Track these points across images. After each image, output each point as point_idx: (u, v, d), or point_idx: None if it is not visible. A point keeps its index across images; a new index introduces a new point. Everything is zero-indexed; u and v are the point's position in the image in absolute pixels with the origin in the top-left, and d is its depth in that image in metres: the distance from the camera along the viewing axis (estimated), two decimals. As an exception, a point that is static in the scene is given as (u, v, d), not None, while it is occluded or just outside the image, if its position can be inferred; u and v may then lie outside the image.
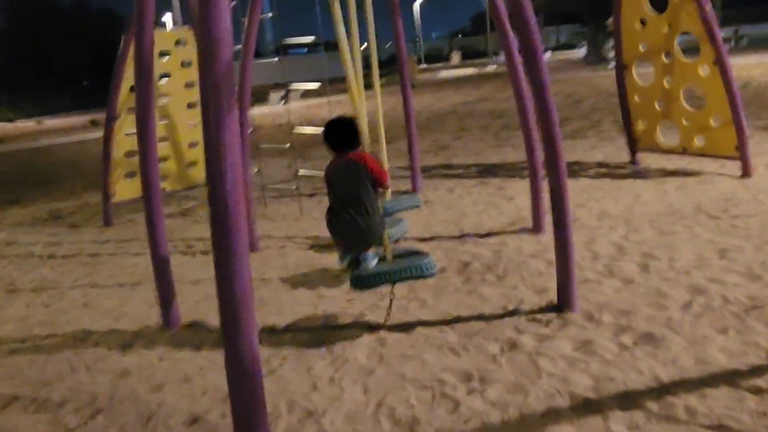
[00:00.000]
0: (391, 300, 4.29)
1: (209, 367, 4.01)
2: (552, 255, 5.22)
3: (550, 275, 4.89)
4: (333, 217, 4.26)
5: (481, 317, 4.32)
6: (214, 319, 4.75)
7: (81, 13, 64.46)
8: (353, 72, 4.28)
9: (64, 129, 29.85)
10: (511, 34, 5.96)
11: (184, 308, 4.97)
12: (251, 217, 6.40)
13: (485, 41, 72.45)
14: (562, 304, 4.28)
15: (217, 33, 2.39)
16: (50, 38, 64.33)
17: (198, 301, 5.21)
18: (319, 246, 6.31)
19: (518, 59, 5.96)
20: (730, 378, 3.26)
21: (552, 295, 4.49)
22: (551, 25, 72.00)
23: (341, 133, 4.26)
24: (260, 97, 25.32)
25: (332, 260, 5.63)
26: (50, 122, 37.33)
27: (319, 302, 4.92)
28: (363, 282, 4.10)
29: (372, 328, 4.35)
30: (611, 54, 36.15)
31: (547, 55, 51.56)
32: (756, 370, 3.31)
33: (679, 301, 4.22)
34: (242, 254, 2.66)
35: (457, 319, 4.33)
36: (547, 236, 5.89)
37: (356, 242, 4.24)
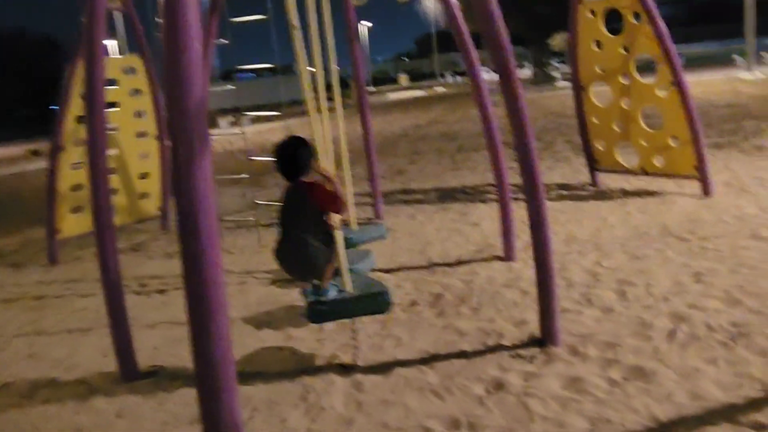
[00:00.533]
0: (354, 335, 4.19)
1: (173, 424, 3.69)
2: (526, 284, 5.15)
3: (526, 306, 4.75)
4: (278, 244, 4.09)
5: (461, 354, 4.12)
6: (175, 367, 4.43)
7: (18, 40, 62.68)
8: (312, 93, 4.10)
9: (2, 160, 28.72)
10: (474, 53, 5.85)
11: (141, 355, 4.62)
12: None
13: (431, 63, 73.13)
14: (544, 338, 4.11)
15: (188, 70, 2.16)
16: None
17: (156, 347, 4.87)
18: (281, 281, 6.01)
19: (482, 78, 5.86)
20: (728, 413, 3.13)
21: (532, 328, 4.33)
22: (495, 46, 72.96)
23: (288, 159, 4.03)
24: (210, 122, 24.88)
25: (296, 296, 5.37)
26: (-13, 153, 35.95)
27: (288, 343, 4.64)
28: (319, 314, 3.95)
29: (346, 369, 4.11)
30: (556, 73, 37.22)
31: (487, 76, 52.32)
32: (754, 404, 3.19)
33: (663, 330, 4.10)
34: (220, 313, 2.39)
35: (436, 358, 4.12)
36: (519, 264, 5.76)
37: (294, 270, 4.12)
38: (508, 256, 5.90)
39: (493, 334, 4.35)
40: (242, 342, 4.74)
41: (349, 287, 4.02)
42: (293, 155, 4.01)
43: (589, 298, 4.78)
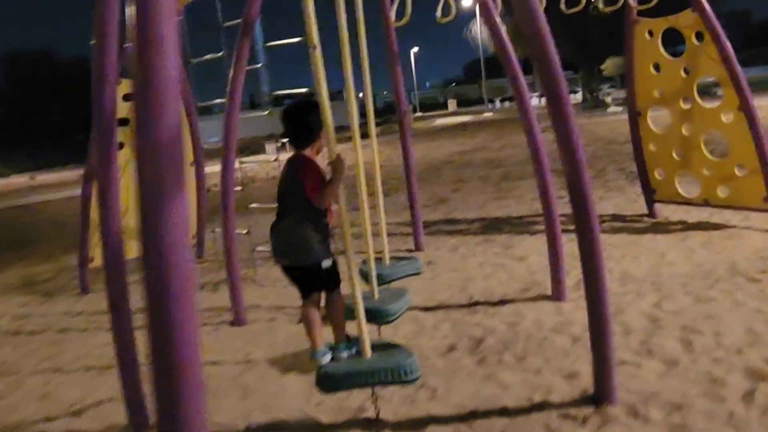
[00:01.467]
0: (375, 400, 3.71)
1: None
2: (578, 329, 4.64)
3: (578, 356, 4.24)
4: (273, 223, 3.66)
5: (503, 412, 3.64)
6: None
7: (77, 65, 64.52)
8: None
9: (56, 184, 29.36)
10: (522, 78, 5.45)
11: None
12: (237, 287, 5.75)
13: (479, 88, 72.88)
14: (599, 395, 3.61)
15: (161, 93, 1.81)
16: (46, 92, 64.38)
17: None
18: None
19: (530, 103, 5.47)
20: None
21: (584, 382, 3.82)
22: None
23: (290, 124, 3.61)
24: (256, 149, 24.87)
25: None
26: (43, 177, 36.89)
27: (313, 393, 4.22)
28: (332, 382, 3.44)
29: (373, 424, 3.68)
30: (609, 99, 36.45)
31: (537, 102, 51.80)
32: None
33: (738, 390, 3.55)
34: (195, 381, 1.98)
35: (475, 414, 3.66)
36: (569, 305, 5.26)
37: (280, 250, 3.62)
38: (557, 295, 5.40)
39: (540, 388, 3.86)
40: (263, 388, 4.35)
41: (368, 352, 3.49)
42: (305, 119, 3.54)
43: (649, 347, 4.24)
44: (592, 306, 3.60)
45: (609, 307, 3.60)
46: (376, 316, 4.27)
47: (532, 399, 3.74)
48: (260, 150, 28.91)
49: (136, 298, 6.63)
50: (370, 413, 3.82)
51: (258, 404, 4.13)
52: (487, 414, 3.65)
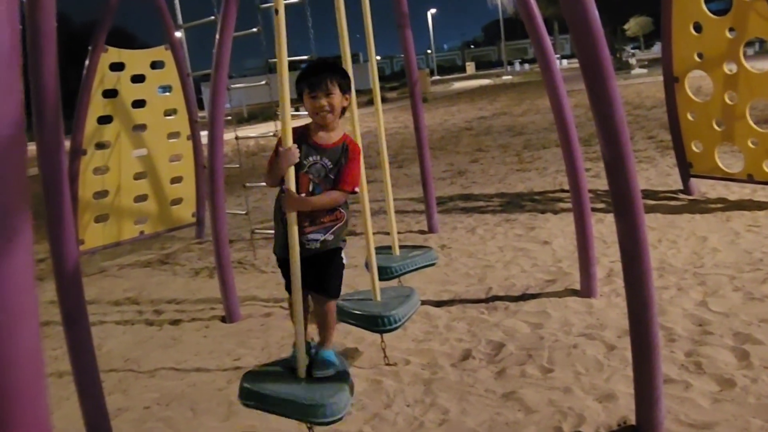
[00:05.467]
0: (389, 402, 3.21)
1: None
2: (611, 334, 4.04)
3: (613, 370, 3.64)
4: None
5: (526, 445, 3.06)
6: (162, 441, 3.53)
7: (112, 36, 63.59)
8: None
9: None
10: (547, 39, 4.76)
11: (127, 419, 3.77)
12: (228, 280, 5.18)
13: (498, 51, 71.54)
14: (642, 429, 3.01)
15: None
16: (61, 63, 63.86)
17: (149, 406, 3.97)
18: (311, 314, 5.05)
19: (557, 67, 4.80)
20: None
21: (623, 407, 3.22)
22: (564, 33, 70.96)
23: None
24: (269, 116, 24.23)
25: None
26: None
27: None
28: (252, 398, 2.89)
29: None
30: (633, 60, 35.19)
31: (563, 64, 50.44)
32: None
33: (813, 423, 2.93)
34: None
35: (494, 448, 3.08)
36: (601, 302, 4.63)
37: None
38: (586, 290, 4.77)
39: (570, 414, 3.25)
40: (250, 405, 3.79)
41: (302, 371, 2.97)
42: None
43: (698, 361, 3.62)
44: (634, 312, 2.98)
45: (655, 316, 2.97)
46: (378, 324, 3.72)
47: (560, 429, 3.14)
48: (274, 117, 28.38)
49: (126, 286, 6.07)
50: (369, 442, 3.26)
51: (242, 426, 3.57)
52: (508, 448, 3.07)
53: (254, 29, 6.22)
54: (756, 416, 3.03)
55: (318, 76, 2.99)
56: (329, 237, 3.09)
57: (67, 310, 3.25)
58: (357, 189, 3.15)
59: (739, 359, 3.59)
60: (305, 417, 2.76)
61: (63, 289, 3.22)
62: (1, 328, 1.39)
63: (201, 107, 9.60)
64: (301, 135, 3.00)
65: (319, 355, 3.10)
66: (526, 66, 65.72)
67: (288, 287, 3.03)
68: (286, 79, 2.80)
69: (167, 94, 7.99)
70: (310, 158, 3.01)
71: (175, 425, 3.67)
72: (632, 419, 3.09)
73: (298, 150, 2.90)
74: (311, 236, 3.02)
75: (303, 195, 2.97)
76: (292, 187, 2.89)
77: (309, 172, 3.01)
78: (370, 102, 3.24)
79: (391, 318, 3.60)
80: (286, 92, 2.81)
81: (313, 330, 3.27)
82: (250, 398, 2.85)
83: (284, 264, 3.03)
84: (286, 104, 2.84)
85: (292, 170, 2.88)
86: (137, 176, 7.76)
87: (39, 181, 3.10)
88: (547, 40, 4.78)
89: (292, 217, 2.86)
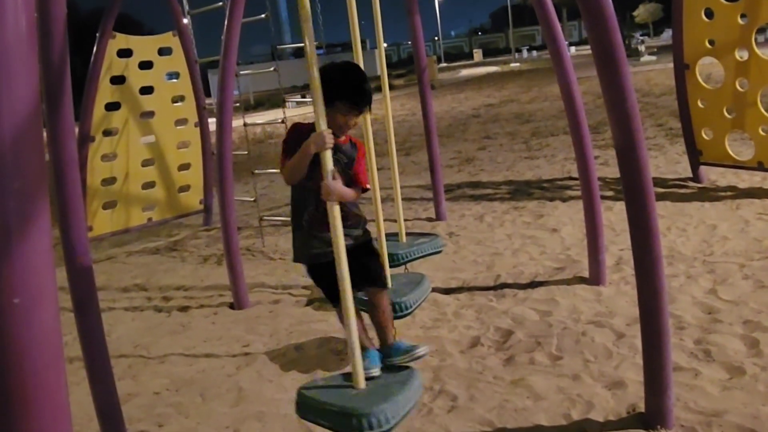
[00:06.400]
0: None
1: None
2: (620, 322, 4.04)
3: (622, 357, 3.64)
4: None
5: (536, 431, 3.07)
6: (172, 428, 3.55)
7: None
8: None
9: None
10: (558, 24, 4.73)
11: (136, 405, 3.79)
12: (237, 267, 5.19)
13: (506, 38, 71.14)
14: (651, 417, 3.00)
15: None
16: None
17: (159, 392, 4.00)
18: (319, 300, 5.06)
19: (567, 54, 4.77)
20: None
21: (632, 395, 3.22)
22: (573, 20, 70.55)
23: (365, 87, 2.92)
24: (276, 103, 24.15)
25: (333, 324, 4.41)
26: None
27: (313, 398, 3.68)
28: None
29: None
30: (642, 47, 34.93)
31: (572, 51, 50.15)
32: None
33: (823, 411, 2.93)
34: None
35: (502, 434, 3.09)
36: (610, 290, 4.63)
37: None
38: (595, 278, 4.76)
39: (578, 401, 3.26)
40: (259, 391, 3.81)
41: (362, 383, 2.64)
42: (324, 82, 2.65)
43: (707, 349, 3.61)
44: (644, 301, 2.97)
45: (665, 304, 2.96)
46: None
47: (569, 416, 3.15)
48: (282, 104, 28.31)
49: (135, 273, 6.09)
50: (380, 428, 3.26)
51: (252, 411, 3.59)
52: (517, 434, 3.07)
53: (262, 15, 6.21)
54: (766, 404, 3.03)
55: (367, 94, 2.88)
56: (359, 232, 3.04)
57: (77, 296, 3.25)
58: (369, 186, 3.08)
59: (748, 347, 3.58)
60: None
61: (73, 275, 3.21)
62: (20, 310, 1.39)
63: (208, 94, 9.60)
64: (312, 131, 2.76)
65: (395, 347, 2.96)
66: (534, 53, 65.39)
67: (331, 295, 2.87)
68: (315, 63, 2.64)
69: (175, 80, 7.98)
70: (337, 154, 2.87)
71: (184, 411, 3.69)
72: (641, 407, 3.09)
73: (332, 135, 2.65)
74: (346, 232, 2.70)
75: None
76: (329, 174, 2.62)
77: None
78: (378, 89, 3.19)
79: (402, 304, 3.58)
80: (316, 75, 2.57)
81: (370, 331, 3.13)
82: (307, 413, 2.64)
83: (318, 269, 2.95)
84: (316, 88, 2.58)
85: (329, 156, 2.63)
86: (145, 163, 7.78)
87: (49, 168, 3.09)
88: (558, 27, 4.75)
89: (334, 209, 2.58)
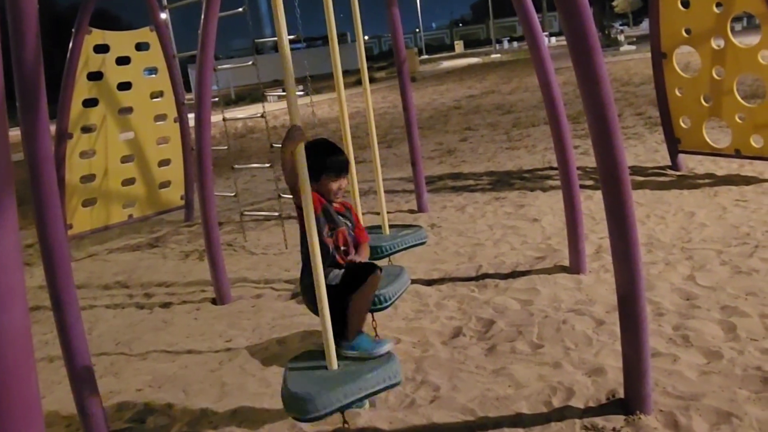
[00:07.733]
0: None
1: None
2: (599, 309, 4.08)
3: (602, 344, 3.68)
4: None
5: (516, 421, 3.09)
6: (155, 424, 3.54)
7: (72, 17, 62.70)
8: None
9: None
10: (535, 15, 4.76)
11: (119, 401, 3.78)
12: (218, 262, 5.18)
13: (487, 29, 71.23)
14: (630, 402, 3.04)
15: None
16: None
17: (141, 388, 3.98)
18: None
19: (544, 44, 4.79)
20: None
21: (611, 381, 3.26)
22: (553, 11, 70.74)
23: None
24: (257, 97, 24.07)
25: (315, 317, 4.40)
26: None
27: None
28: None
29: (367, 435, 3.15)
30: (621, 37, 35.12)
31: (552, 42, 50.32)
32: None
33: (798, 393, 2.98)
34: None
35: (485, 424, 3.11)
36: (589, 278, 4.67)
37: None
38: (575, 266, 4.80)
39: (559, 388, 3.29)
40: (242, 385, 3.81)
41: (334, 365, 2.76)
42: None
43: (685, 334, 3.66)
44: (621, 287, 3.00)
45: (642, 290, 2.99)
46: (369, 303, 3.70)
47: (550, 403, 3.18)
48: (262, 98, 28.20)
49: (116, 270, 6.06)
50: (362, 421, 3.28)
51: (235, 407, 3.59)
52: (497, 423, 3.09)
53: (240, 9, 6.17)
54: (742, 387, 3.08)
55: (341, 159, 3.16)
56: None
57: (56, 294, 3.22)
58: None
59: (726, 332, 3.63)
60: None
61: (51, 273, 3.18)
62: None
63: (188, 89, 9.54)
64: (319, 202, 3.02)
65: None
66: (515, 44, 65.57)
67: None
68: (288, 59, 2.65)
69: (153, 76, 7.92)
70: (339, 218, 3.16)
71: (167, 407, 3.68)
72: (621, 392, 3.13)
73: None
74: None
75: (344, 249, 3.15)
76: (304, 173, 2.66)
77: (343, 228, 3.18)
78: (359, 82, 3.21)
79: (381, 297, 3.59)
80: (290, 70, 2.66)
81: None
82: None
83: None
84: (290, 82, 2.63)
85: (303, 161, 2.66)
86: (124, 159, 7.72)
87: (25, 166, 3.07)
88: (535, 18, 4.77)
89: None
